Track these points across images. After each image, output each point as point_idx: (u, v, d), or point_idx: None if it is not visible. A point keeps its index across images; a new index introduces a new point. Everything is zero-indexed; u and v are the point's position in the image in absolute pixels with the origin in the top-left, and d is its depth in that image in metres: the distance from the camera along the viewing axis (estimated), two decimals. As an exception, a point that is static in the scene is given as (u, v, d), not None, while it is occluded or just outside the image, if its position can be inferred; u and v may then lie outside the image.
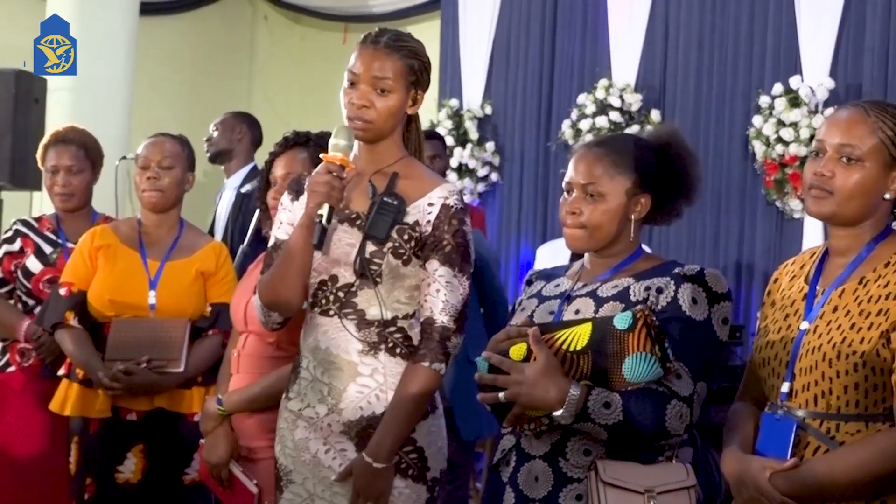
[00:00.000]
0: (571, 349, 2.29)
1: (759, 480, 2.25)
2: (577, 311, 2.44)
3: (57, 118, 5.98)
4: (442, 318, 2.61)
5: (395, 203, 2.62)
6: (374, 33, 2.70)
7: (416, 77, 2.69)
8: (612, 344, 2.25)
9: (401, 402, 2.60)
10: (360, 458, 2.60)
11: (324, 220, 2.59)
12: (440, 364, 2.61)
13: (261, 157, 5.43)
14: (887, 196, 2.31)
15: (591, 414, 2.26)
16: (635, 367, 2.24)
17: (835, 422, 2.25)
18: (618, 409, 2.26)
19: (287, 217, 2.78)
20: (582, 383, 2.27)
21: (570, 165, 2.52)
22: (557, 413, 2.27)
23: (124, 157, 4.75)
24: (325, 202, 2.58)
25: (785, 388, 2.31)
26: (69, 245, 3.95)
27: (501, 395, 2.31)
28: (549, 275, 2.66)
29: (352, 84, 2.65)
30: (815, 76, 6.32)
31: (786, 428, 2.28)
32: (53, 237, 4.05)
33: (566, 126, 7.27)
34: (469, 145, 7.74)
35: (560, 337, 2.30)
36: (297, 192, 2.78)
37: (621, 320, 2.25)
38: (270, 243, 2.79)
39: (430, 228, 2.63)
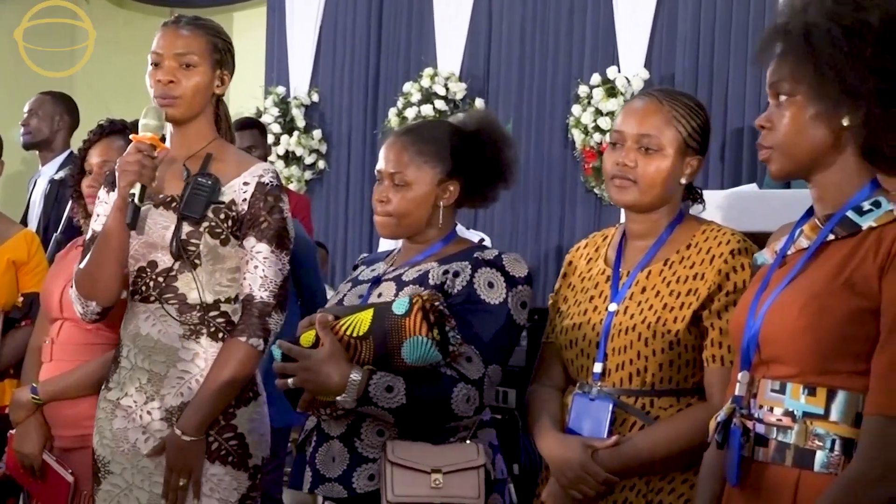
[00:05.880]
0: (355, 335, 2.34)
1: (582, 459, 2.30)
2: (380, 295, 2.49)
3: None
4: (261, 294, 2.62)
5: (210, 182, 2.63)
6: (173, 18, 2.72)
7: (220, 56, 2.71)
8: (392, 329, 2.31)
9: (215, 375, 2.60)
10: (171, 432, 2.60)
11: (136, 199, 2.57)
12: (258, 340, 2.61)
13: (76, 142, 5.30)
14: (682, 181, 2.42)
15: (373, 398, 2.31)
16: (413, 351, 2.30)
17: (649, 398, 2.33)
18: (401, 392, 2.31)
19: (104, 210, 2.74)
20: (365, 368, 2.32)
21: (381, 153, 2.56)
22: (340, 398, 2.32)
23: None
24: (136, 181, 2.56)
25: (597, 368, 2.36)
26: None
27: (290, 381, 2.35)
28: (372, 259, 2.70)
29: (156, 65, 2.66)
30: (630, 67, 6.52)
31: (602, 407, 2.34)
32: None
33: (392, 114, 7.32)
34: (296, 133, 7.71)
35: (345, 324, 2.35)
36: (112, 185, 2.74)
37: (399, 305, 2.32)
38: (87, 236, 2.74)
39: (246, 207, 2.64)
